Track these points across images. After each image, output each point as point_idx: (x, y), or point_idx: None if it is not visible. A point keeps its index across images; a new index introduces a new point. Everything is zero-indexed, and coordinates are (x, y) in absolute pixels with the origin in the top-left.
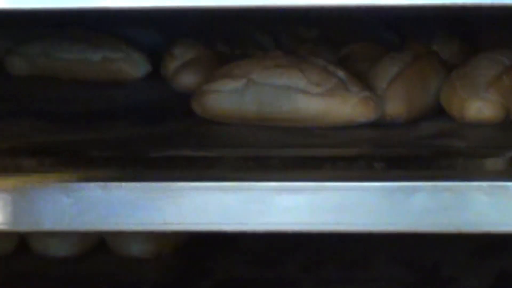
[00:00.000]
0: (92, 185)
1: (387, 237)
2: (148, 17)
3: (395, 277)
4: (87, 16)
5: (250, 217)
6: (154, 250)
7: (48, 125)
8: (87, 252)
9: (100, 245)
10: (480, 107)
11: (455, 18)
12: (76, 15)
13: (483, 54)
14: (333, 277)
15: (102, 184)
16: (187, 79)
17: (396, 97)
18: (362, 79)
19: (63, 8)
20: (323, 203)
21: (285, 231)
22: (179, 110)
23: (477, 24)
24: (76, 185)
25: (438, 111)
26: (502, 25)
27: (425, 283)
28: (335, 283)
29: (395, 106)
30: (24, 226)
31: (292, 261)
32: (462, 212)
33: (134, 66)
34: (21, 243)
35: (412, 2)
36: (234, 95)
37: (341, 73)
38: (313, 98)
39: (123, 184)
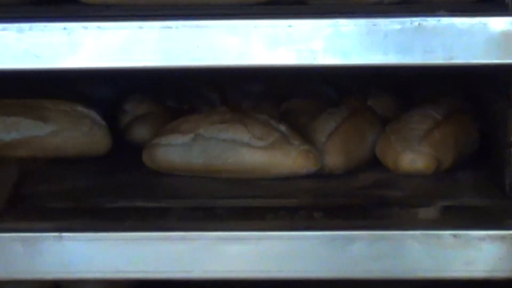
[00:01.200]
0: (46, 235)
1: (328, 283)
2: (100, 73)
3: None
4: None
5: (198, 265)
6: None
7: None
8: None
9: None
10: (413, 159)
11: (389, 75)
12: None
13: (415, 109)
14: None
15: (56, 234)
16: (138, 133)
17: (334, 150)
18: (303, 133)
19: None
20: (266, 252)
21: (231, 279)
22: (130, 162)
23: (409, 81)
24: (31, 235)
25: (374, 163)
26: (433, 81)
27: None
28: None
29: (334, 159)
30: None
31: None
32: (398, 259)
33: (96, 144)
34: None
35: (348, 61)
36: (182, 149)
37: (282, 127)
38: (256, 151)
39: (77, 234)
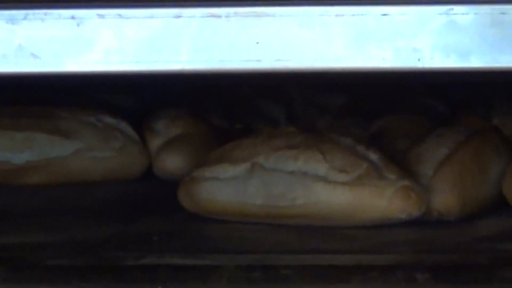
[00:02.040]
0: None
1: None
2: (121, 78)
3: None
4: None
5: None
6: None
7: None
8: None
9: None
10: None
11: None
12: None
13: None
14: None
15: None
16: (171, 162)
17: (445, 187)
18: (401, 164)
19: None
20: None
21: None
22: (161, 203)
23: None
24: None
25: (501, 205)
26: None
27: None
28: None
29: (445, 199)
30: None
31: None
32: None
33: (130, 165)
34: None
35: (465, 64)
36: (234, 184)
37: (373, 156)
38: (337, 189)
39: None
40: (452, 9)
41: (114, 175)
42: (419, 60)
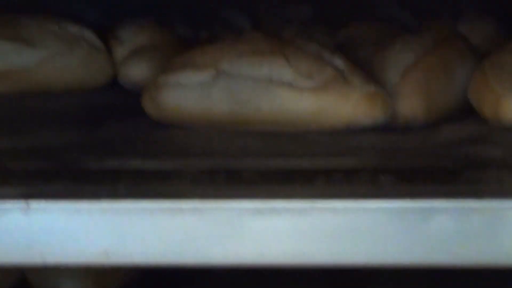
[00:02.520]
0: (9, 205)
1: (398, 272)
2: None
3: None
4: None
5: (216, 247)
6: None
7: None
8: None
9: (18, 284)
10: None
11: None
12: None
13: None
14: None
15: (22, 204)
16: (137, 71)
17: (411, 93)
18: (367, 69)
19: None
20: (313, 229)
21: (262, 265)
22: (126, 111)
23: None
24: None
25: (466, 111)
26: None
27: None
28: None
29: (410, 104)
30: None
31: None
32: (496, 240)
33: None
34: None
35: None
36: (198, 90)
37: (339, 61)
38: (302, 94)
39: (50, 204)
40: None
41: (78, 84)
42: None
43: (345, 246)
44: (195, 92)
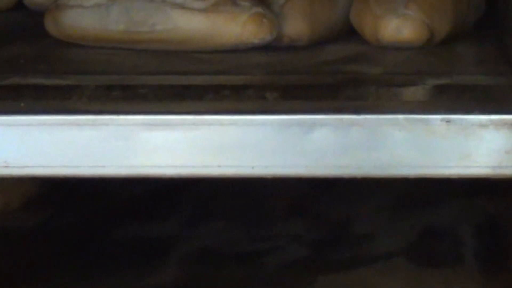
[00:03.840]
0: None
1: (287, 184)
2: None
3: (299, 235)
4: None
5: (112, 158)
6: None
7: None
8: None
9: None
10: (398, 26)
11: None
12: None
13: None
14: (225, 236)
15: None
16: None
17: (296, 14)
18: None
19: None
20: (202, 141)
21: (155, 176)
22: (27, 30)
23: None
24: None
25: (347, 32)
26: None
27: (335, 242)
28: (229, 244)
29: (295, 25)
30: None
31: (173, 214)
32: (373, 152)
33: None
34: None
35: None
36: (97, 11)
37: None
38: (194, 15)
39: None
40: None
41: None
42: None
43: (231, 158)
44: (94, 13)
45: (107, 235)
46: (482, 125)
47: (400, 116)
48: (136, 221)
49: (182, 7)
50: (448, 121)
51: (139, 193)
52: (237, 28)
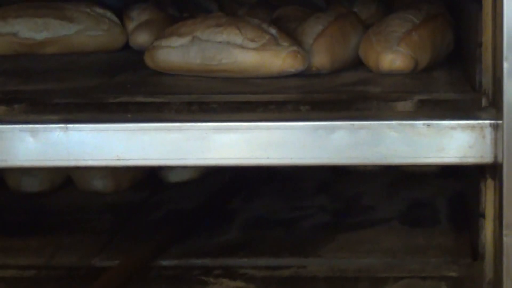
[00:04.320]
0: (53, 126)
1: (313, 170)
2: None
3: (324, 206)
4: None
5: (192, 153)
6: (113, 185)
7: (18, 79)
8: (55, 188)
9: (66, 182)
10: (393, 59)
11: None
12: None
13: (395, 14)
14: (271, 208)
15: (62, 126)
16: (141, 37)
17: (321, 51)
18: (292, 36)
19: None
20: (256, 140)
21: (222, 165)
22: (133, 64)
23: None
24: (39, 126)
25: (357, 63)
26: None
27: (347, 210)
28: (274, 213)
29: (320, 59)
30: None
31: (235, 193)
32: (376, 147)
33: (114, 40)
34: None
35: None
36: (181, 50)
37: (273, 31)
38: (249, 52)
39: (82, 125)
40: None
41: (102, 48)
42: None
43: (276, 152)
44: (179, 51)
45: (187, 208)
46: (452, 128)
47: (394, 122)
48: (208, 200)
49: (241, 46)
50: (428, 125)
51: (212, 181)
52: (279, 61)
